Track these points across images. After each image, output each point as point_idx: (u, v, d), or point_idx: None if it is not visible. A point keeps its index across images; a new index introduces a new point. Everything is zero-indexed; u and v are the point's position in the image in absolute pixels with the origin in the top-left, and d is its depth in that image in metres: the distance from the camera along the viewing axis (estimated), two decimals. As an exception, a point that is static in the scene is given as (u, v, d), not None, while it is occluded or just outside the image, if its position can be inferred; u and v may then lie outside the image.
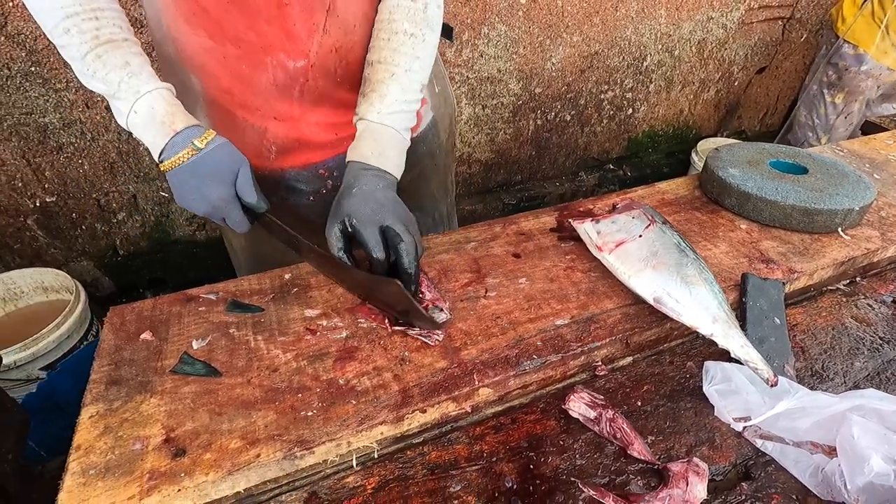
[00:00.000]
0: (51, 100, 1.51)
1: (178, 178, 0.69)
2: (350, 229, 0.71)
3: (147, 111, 0.68)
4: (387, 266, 0.71)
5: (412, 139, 0.97)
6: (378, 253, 0.70)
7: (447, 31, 0.93)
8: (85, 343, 1.56)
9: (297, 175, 0.89)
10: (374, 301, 0.75)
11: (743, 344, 0.66)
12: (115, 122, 1.63)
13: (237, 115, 0.81)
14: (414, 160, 0.97)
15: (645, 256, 0.76)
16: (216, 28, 0.72)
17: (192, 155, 0.68)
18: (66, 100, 1.53)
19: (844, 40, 1.98)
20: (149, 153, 1.73)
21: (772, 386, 0.62)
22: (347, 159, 0.77)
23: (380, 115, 0.76)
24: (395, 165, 0.77)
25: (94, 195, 1.74)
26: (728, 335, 0.67)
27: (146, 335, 0.68)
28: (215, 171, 0.69)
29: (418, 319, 0.70)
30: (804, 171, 0.99)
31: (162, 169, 0.69)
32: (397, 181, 0.77)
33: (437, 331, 0.70)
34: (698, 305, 0.70)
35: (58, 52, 1.55)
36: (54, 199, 1.69)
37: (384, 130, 0.76)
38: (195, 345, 0.67)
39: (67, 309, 1.49)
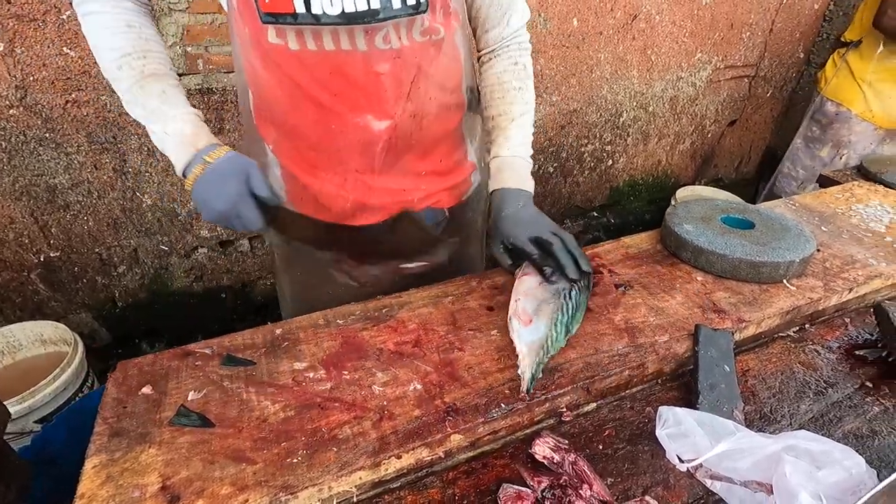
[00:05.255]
0: (62, 162, 1.62)
1: (198, 187, 0.80)
2: (510, 246, 0.93)
3: (177, 133, 0.82)
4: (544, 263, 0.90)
5: (461, 204, 1.08)
6: (536, 256, 0.90)
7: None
8: (80, 395, 1.58)
9: (368, 227, 1.01)
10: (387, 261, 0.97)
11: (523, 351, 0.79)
12: (120, 181, 1.73)
13: (317, 175, 0.94)
14: (462, 224, 1.08)
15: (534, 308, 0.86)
16: (313, 94, 0.83)
17: (205, 167, 0.80)
18: (76, 162, 1.63)
19: (826, 98, 2.11)
20: (151, 210, 1.83)
21: (521, 398, 0.73)
22: (491, 189, 0.99)
23: (510, 150, 0.99)
24: (529, 183, 0.99)
25: (97, 250, 1.81)
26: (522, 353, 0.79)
27: (146, 389, 0.74)
28: (227, 172, 0.80)
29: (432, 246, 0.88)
30: (751, 225, 1.08)
31: (186, 186, 0.82)
32: (532, 193, 0.99)
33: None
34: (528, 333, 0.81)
35: (71, 119, 1.66)
36: (58, 254, 1.76)
37: (515, 160, 0.99)
38: (191, 396, 0.73)
39: (65, 362, 1.53)
